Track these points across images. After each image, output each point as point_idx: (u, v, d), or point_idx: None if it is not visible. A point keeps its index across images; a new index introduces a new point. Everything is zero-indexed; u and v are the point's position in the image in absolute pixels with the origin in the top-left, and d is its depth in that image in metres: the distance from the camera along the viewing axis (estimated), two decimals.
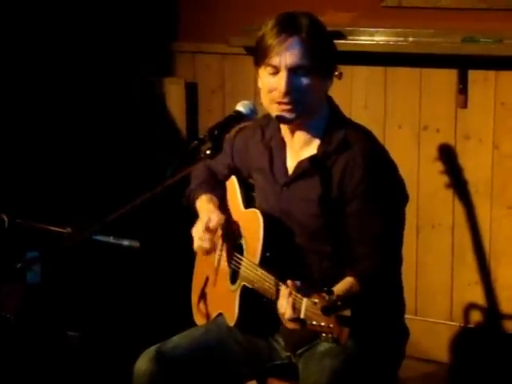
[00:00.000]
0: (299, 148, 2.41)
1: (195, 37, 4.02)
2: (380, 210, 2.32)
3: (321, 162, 2.36)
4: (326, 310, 1.99)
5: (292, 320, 2.12)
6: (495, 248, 3.58)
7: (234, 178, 2.60)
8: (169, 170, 2.15)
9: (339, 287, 2.22)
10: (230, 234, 2.53)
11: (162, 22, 4.08)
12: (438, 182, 3.63)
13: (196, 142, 2.19)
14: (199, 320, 2.66)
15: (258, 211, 2.43)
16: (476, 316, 3.65)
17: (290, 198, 2.41)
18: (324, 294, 2.03)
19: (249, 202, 2.54)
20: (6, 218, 2.57)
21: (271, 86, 2.33)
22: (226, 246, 2.56)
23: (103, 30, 4.03)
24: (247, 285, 2.40)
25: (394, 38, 3.60)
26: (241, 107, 2.30)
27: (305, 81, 2.31)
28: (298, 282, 2.15)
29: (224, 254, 2.56)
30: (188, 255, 2.67)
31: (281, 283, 2.20)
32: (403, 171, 2.41)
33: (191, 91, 4.05)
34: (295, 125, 2.39)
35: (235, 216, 2.56)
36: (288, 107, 2.32)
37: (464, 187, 3.60)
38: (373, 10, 3.66)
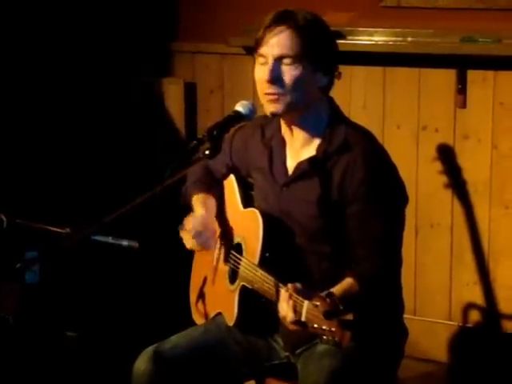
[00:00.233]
0: (299, 147, 2.41)
1: (194, 37, 4.02)
2: (380, 211, 2.32)
3: (321, 163, 2.35)
4: (329, 314, 1.99)
5: (293, 322, 2.12)
6: (494, 248, 3.58)
7: (232, 177, 2.60)
8: (168, 170, 2.15)
9: (339, 288, 2.22)
10: (228, 234, 2.53)
11: (161, 22, 4.08)
12: (436, 182, 3.63)
13: (195, 142, 2.19)
14: (198, 319, 2.66)
15: (257, 211, 2.42)
16: (475, 316, 3.65)
17: (290, 198, 2.41)
18: (325, 297, 2.03)
19: (248, 202, 2.54)
20: (4, 218, 2.57)
21: (260, 76, 2.33)
22: (224, 245, 2.56)
23: (102, 30, 4.02)
24: (246, 285, 2.40)
25: (392, 38, 3.60)
26: (240, 107, 2.30)
27: (291, 71, 2.29)
28: (298, 284, 2.15)
29: (222, 253, 2.56)
30: (187, 255, 2.67)
31: (281, 284, 2.20)
32: (402, 171, 2.41)
33: (190, 91, 4.04)
34: (294, 123, 2.39)
35: (234, 215, 2.56)
36: (273, 97, 2.30)
37: (463, 187, 3.60)
38: (372, 10, 3.66)
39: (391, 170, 2.38)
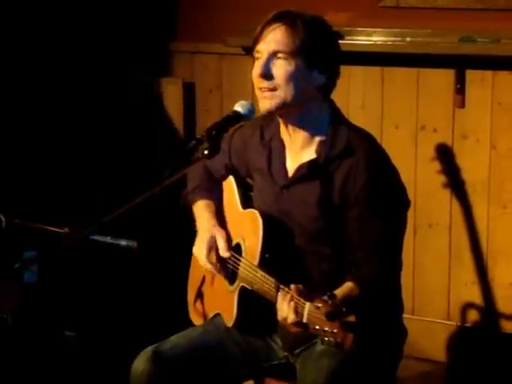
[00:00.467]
0: (299, 149, 2.40)
1: (193, 37, 4.01)
2: (382, 215, 2.32)
3: (322, 166, 2.34)
4: (331, 316, 1.98)
5: (294, 324, 2.12)
6: (492, 247, 3.58)
7: (231, 178, 2.59)
8: (167, 170, 2.15)
9: (339, 292, 2.21)
10: (227, 234, 2.53)
11: (159, 22, 4.08)
12: (435, 182, 3.63)
13: (194, 142, 2.19)
14: (195, 319, 2.66)
15: (257, 212, 2.42)
16: (473, 315, 3.65)
17: (290, 199, 2.40)
18: (327, 299, 2.03)
19: (247, 202, 2.54)
20: (3, 218, 2.57)
21: (254, 71, 2.33)
22: None
23: (101, 30, 4.02)
24: (246, 286, 2.40)
25: (391, 38, 3.60)
26: (239, 107, 2.30)
27: (284, 66, 2.29)
28: (300, 286, 2.14)
29: None
30: (185, 255, 2.67)
31: (281, 286, 2.20)
32: (400, 171, 2.41)
33: (189, 91, 4.04)
34: (292, 124, 2.38)
35: (233, 216, 2.56)
36: (267, 93, 2.30)
37: (461, 187, 3.60)
38: (370, 10, 3.66)
39: (393, 173, 2.38)
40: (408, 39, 3.57)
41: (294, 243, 2.39)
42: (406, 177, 2.46)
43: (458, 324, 3.67)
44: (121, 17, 4.05)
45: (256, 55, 2.34)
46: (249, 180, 2.58)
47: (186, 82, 4.04)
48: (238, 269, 2.44)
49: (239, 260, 2.44)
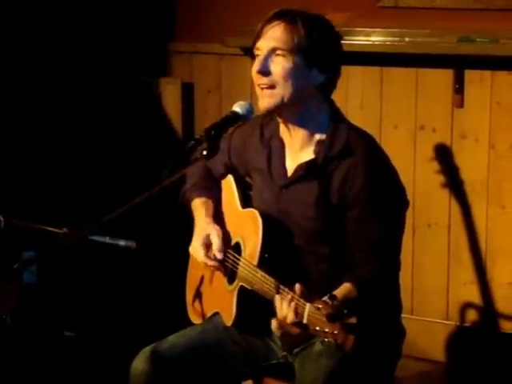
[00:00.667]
0: (298, 149, 2.40)
1: (192, 37, 4.02)
2: (380, 216, 2.32)
3: (321, 166, 2.34)
4: (332, 317, 1.98)
5: (294, 325, 2.11)
6: (491, 247, 3.59)
7: (230, 177, 2.59)
8: (166, 170, 2.15)
9: (337, 293, 2.21)
10: (226, 233, 2.53)
11: (158, 22, 4.08)
12: (434, 182, 3.63)
13: (193, 142, 2.19)
14: (194, 318, 2.66)
15: (256, 211, 2.42)
16: (472, 315, 3.65)
17: (289, 199, 2.40)
18: (327, 300, 2.03)
19: (246, 202, 2.54)
20: (2, 218, 2.57)
21: (253, 68, 2.34)
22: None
23: (100, 30, 4.02)
24: (245, 285, 2.39)
25: (390, 38, 3.60)
26: (237, 108, 2.30)
27: (283, 62, 2.29)
28: (302, 287, 2.14)
29: None
30: (184, 255, 2.67)
31: (281, 286, 2.20)
32: (399, 171, 2.41)
33: (188, 91, 4.05)
34: (291, 123, 2.38)
35: (232, 215, 2.56)
36: (266, 91, 2.31)
37: (460, 186, 3.61)
38: (369, 10, 3.66)
39: (392, 174, 2.37)
40: (407, 39, 3.57)
41: (292, 243, 2.39)
42: (404, 177, 2.46)
43: (457, 324, 3.67)
44: (120, 17, 4.05)
45: (256, 52, 2.35)
46: (248, 179, 2.58)
47: (184, 83, 4.04)
48: (237, 268, 2.44)
49: (238, 259, 2.44)
